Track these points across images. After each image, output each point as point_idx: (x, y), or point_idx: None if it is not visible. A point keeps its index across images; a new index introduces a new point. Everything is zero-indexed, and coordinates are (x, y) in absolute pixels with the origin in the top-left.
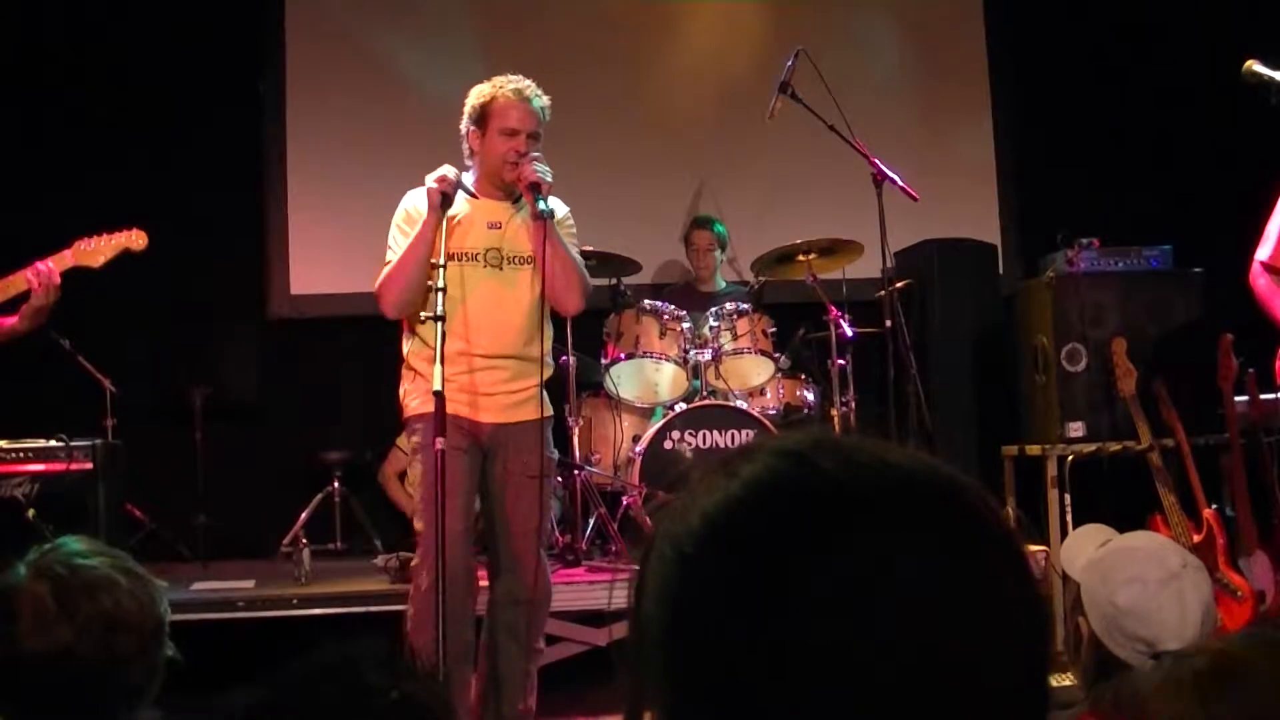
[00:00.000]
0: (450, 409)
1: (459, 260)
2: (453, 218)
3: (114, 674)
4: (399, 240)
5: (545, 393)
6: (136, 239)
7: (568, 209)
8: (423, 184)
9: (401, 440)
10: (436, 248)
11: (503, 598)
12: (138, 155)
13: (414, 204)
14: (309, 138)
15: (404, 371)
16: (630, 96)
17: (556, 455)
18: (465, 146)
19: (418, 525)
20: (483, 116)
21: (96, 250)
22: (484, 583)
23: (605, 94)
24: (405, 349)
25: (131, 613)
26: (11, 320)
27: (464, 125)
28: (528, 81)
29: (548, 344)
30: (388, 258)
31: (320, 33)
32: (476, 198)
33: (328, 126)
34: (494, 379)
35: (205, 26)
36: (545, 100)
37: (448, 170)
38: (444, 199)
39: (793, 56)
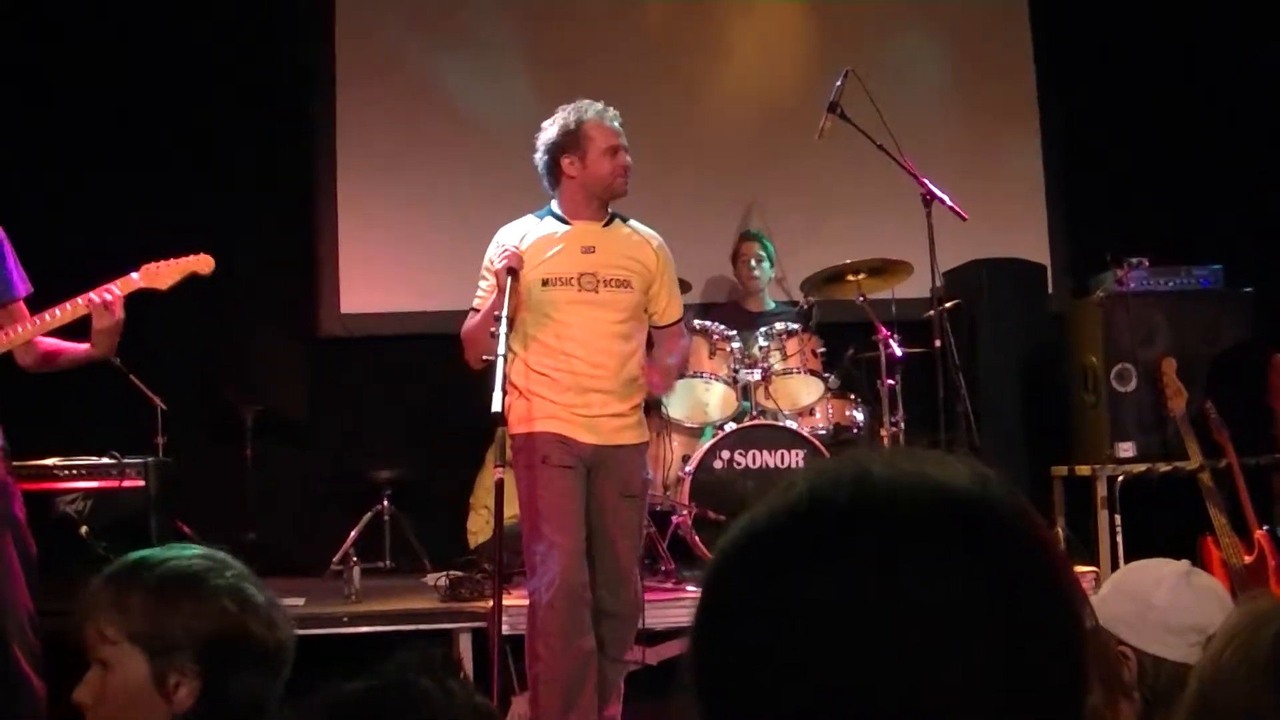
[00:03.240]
0: (556, 428)
1: (552, 285)
2: (551, 236)
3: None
4: (482, 287)
5: (643, 415)
6: (203, 263)
7: (660, 238)
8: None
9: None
10: (500, 301)
11: (595, 610)
12: (190, 176)
13: (503, 240)
14: (359, 158)
15: (507, 386)
16: (679, 118)
17: (650, 476)
18: (548, 176)
19: (531, 544)
20: (578, 142)
21: (163, 273)
22: None
23: (653, 115)
24: (504, 368)
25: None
26: (83, 347)
27: (547, 156)
28: (600, 104)
29: (639, 362)
30: (474, 303)
31: (370, 55)
32: (568, 223)
33: (378, 147)
34: (596, 402)
35: (257, 51)
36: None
37: (512, 246)
38: (511, 274)
39: (841, 76)
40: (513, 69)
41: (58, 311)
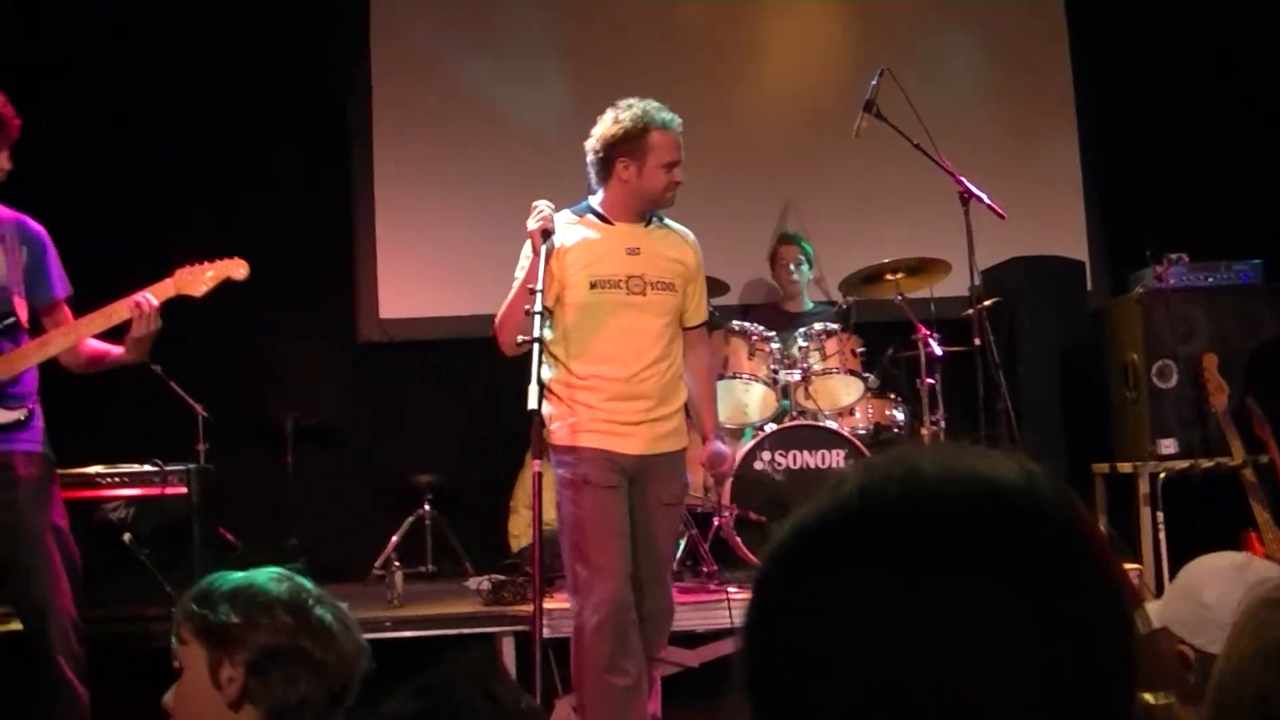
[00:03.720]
0: (595, 443)
1: (600, 288)
2: (593, 237)
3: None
4: (523, 258)
5: (683, 419)
6: (238, 268)
7: (694, 237)
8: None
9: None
10: (535, 273)
11: None
12: (229, 182)
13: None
14: (397, 163)
15: (548, 397)
16: (715, 118)
17: (689, 481)
18: (599, 172)
19: (574, 563)
20: (639, 149)
21: (198, 279)
22: None
23: (690, 116)
24: (546, 375)
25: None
26: (120, 351)
27: (603, 154)
28: (664, 107)
29: (681, 363)
30: (516, 273)
31: (407, 61)
32: (611, 223)
33: (415, 152)
34: (637, 409)
35: (294, 56)
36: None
37: (545, 207)
38: (545, 236)
39: (877, 75)
40: (548, 71)
41: (97, 317)
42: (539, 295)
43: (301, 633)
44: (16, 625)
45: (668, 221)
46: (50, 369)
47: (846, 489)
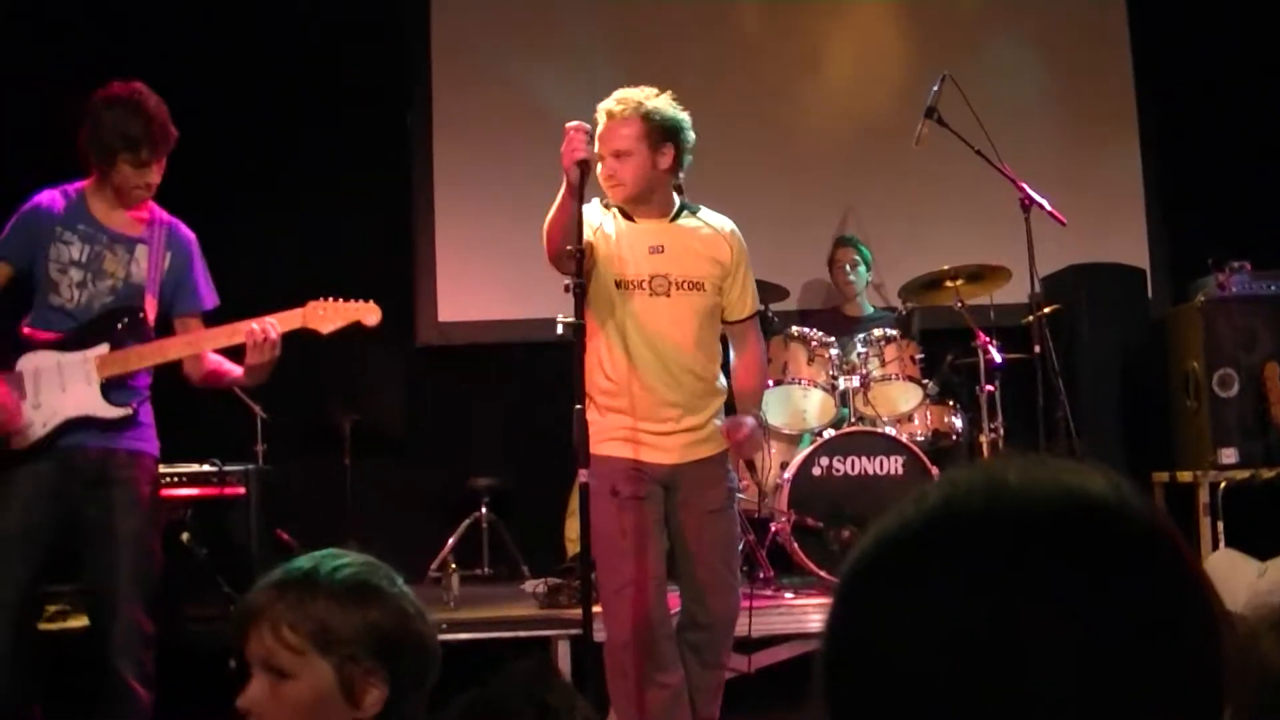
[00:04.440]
0: (624, 452)
1: (622, 289)
2: (610, 240)
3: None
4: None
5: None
6: (371, 313)
7: (733, 225)
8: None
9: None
10: (571, 226)
11: (687, 621)
12: (290, 187)
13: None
14: (455, 168)
15: (589, 404)
16: (775, 124)
17: (735, 485)
18: (683, 169)
19: (602, 577)
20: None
21: (328, 316)
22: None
23: (749, 122)
24: (589, 380)
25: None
26: (239, 372)
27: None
28: (623, 92)
29: (717, 368)
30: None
31: (465, 67)
32: (633, 220)
33: (474, 157)
34: (670, 416)
35: (354, 63)
36: (631, 101)
37: (577, 130)
38: (583, 168)
39: (938, 82)
40: (606, 77)
41: (214, 334)
42: (579, 259)
43: (420, 622)
44: (82, 621)
45: (703, 212)
46: (163, 375)
47: (931, 498)
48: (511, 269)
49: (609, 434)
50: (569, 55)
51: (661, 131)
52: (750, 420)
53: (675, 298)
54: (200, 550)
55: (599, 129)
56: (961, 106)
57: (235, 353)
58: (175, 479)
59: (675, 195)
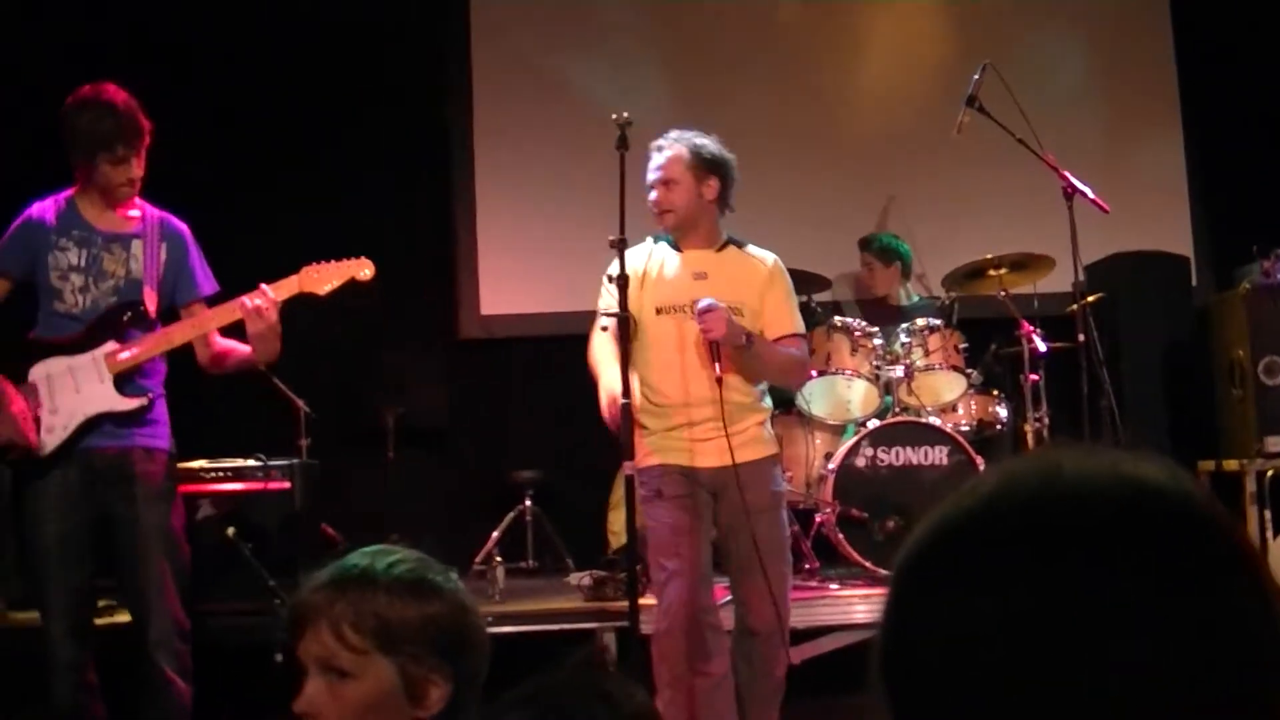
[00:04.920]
0: (669, 459)
1: (665, 313)
2: (663, 264)
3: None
4: (600, 305)
5: (768, 430)
6: (363, 268)
7: (776, 257)
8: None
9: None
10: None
11: (737, 626)
12: (330, 183)
13: (612, 270)
14: (496, 162)
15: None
16: (815, 114)
17: (785, 488)
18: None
19: (654, 574)
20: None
21: (323, 277)
22: None
23: (790, 113)
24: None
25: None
26: (247, 350)
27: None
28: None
29: (753, 387)
30: (601, 322)
31: (505, 61)
32: (680, 250)
33: (514, 151)
34: (707, 429)
35: (394, 59)
36: (678, 135)
37: (612, 401)
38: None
39: (980, 70)
40: (647, 70)
41: (214, 314)
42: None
43: (476, 617)
44: (125, 617)
45: (749, 247)
46: (177, 368)
47: (987, 488)
48: (553, 262)
49: (655, 445)
50: (608, 48)
51: (707, 164)
52: (720, 307)
53: None
54: (245, 545)
55: (649, 163)
56: (1003, 95)
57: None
58: (220, 474)
59: (722, 230)
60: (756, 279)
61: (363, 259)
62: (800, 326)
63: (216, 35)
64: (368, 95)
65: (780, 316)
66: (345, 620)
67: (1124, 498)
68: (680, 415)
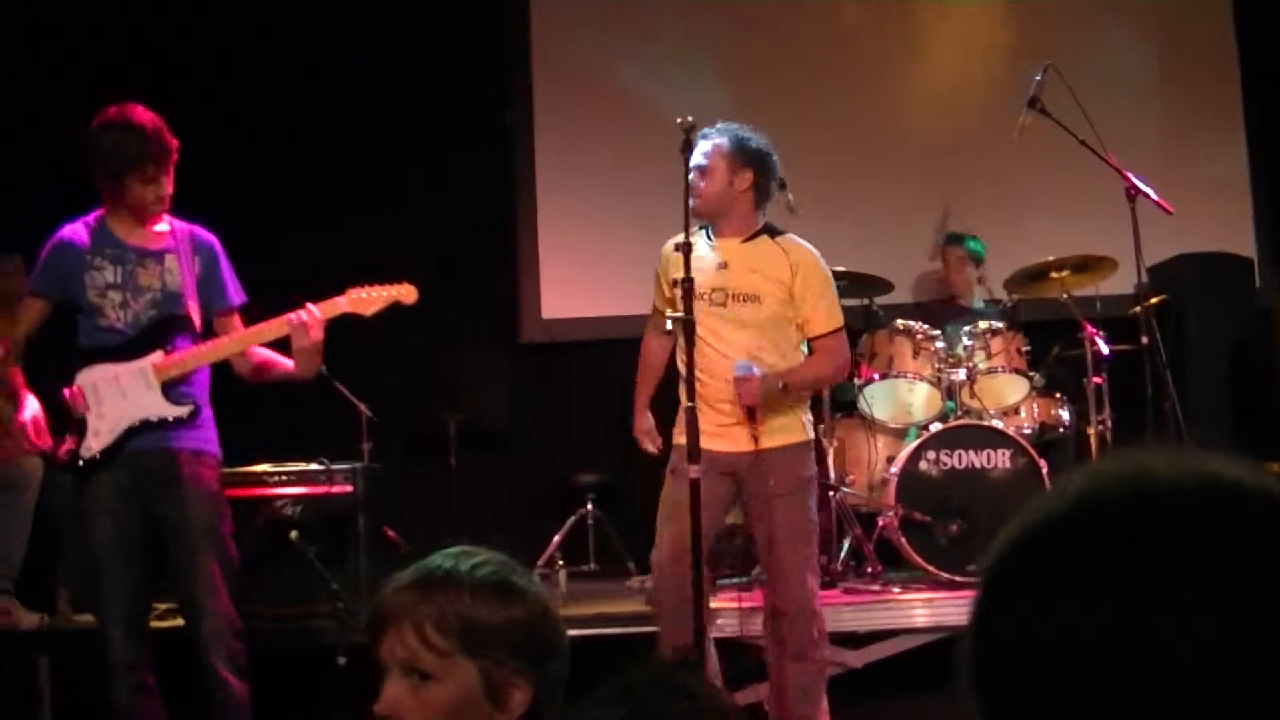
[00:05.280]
0: (701, 443)
1: (695, 299)
2: (700, 253)
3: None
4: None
5: (803, 416)
6: (407, 293)
7: (809, 249)
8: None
9: None
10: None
11: (767, 609)
12: (393, 187)
13: (663, 253)
14: (557, 166)
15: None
16: (877, 116)
17: (813, 472)
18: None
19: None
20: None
21: (369, 301)
22: None
23: (852, 115)
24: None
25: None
26: (290, 364)
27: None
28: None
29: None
30: (665, 325)
31: (566, 64)
32: (712, 239)
33: (575, 154)
34: (729, 412)
35: (455, 63)
36: (720, 125)
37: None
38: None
39: (1041, 71)
40: (708, 72)
41: (262, 328)
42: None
43: (557, 619)
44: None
45: (784, 237)
46: (221, 373)
47: (1076, 488)
48: (614, 265)
49: (679, 426)
50: (670, 51)
51: (741, 155)
52: (758, 371)
53: (731, 308)
54: (308, 548)
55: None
56: (1064, 96)
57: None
58: (283, 478)
59: (759, 221)
60: (778, 268)
61: (406, 284)
62: (837, 321)
63: (279, 39)
64: (429, 98)
65: (816, 316)
66: (429, 621)
67: (1222, 497)
68: (706, 402)
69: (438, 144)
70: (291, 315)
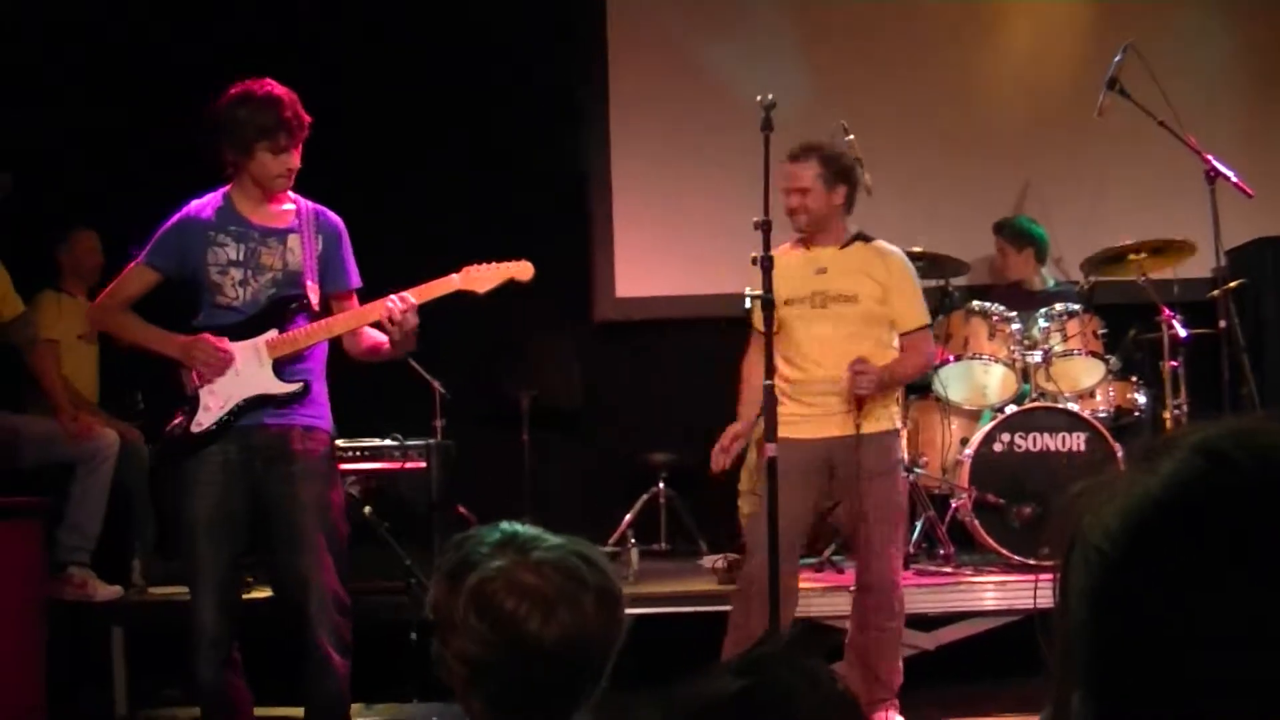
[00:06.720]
0: (795, 433)
1: (791, 304)
2: (794, 261)
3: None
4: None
5: (894, 407)
6: (523, 270)
7: (898, 251)
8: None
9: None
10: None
11: (856, 583)
12: (470, 166)
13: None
14: (632, 143)
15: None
16: (955, 97)
17: (903, 456)
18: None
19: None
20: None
21: (484, 277)
22: None
23: (929, 96)
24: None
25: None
26: (388, 345)
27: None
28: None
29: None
30: (744, 304)
31: (641, 41)
32: (808, 248)
33: (650, 132)
34: (832, 404)
35: (530, 41)
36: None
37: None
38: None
39: (1121, 51)
40: (786, 52)
41: (365, 310)
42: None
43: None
44: (264, 592)
45: (875, 242)
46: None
47: (1171, 471)
48: (689, 243)
49: (779, 419)
50: (746, 28)
51: (836, 173)
52: (871, 367)
53: (830, 308)
54: (381, 523)
55: (783, 170)
56: (1144, 77)
57: None
58: (357, 453)
59: (849, 227)
60: (874, 270)
61: (524, 261)
62: (925, 318)
63: (358, 25)
64: (506, 78)
65: (907, 312)
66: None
67: None
68: (801, 396)
69: (514, 119)
70: (388, 301)
